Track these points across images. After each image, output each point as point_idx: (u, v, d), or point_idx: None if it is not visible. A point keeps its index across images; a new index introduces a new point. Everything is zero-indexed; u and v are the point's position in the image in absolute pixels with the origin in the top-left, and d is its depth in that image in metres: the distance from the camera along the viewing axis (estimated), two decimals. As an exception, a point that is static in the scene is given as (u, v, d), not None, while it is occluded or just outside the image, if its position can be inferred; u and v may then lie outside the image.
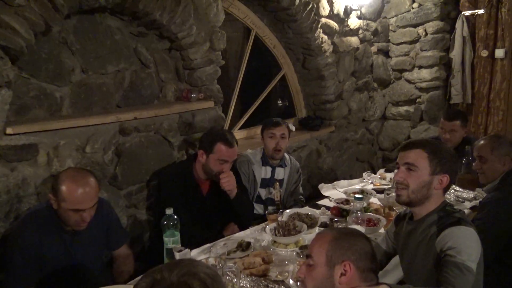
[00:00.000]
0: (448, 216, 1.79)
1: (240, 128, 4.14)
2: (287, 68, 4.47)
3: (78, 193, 2.02)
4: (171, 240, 2.11)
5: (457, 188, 3.04)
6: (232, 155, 2.71)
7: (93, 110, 2.78)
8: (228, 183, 2.68)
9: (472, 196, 2.98)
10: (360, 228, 2.25)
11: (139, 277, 1.23)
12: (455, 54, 4.72)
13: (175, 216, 2.17)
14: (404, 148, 1.90)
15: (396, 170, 1.92)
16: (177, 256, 2.01)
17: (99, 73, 2.78)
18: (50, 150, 2.45)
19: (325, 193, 3.30)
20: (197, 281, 1.03)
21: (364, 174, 3.68)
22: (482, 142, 2.66)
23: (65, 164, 2.48)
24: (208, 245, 2.42)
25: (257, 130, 3.53)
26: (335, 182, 3.51)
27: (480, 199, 2.74)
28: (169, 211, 2.16)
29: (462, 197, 2.97)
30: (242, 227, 2.74)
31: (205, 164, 2.73)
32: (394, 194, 2.60)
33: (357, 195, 2.42)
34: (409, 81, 5.17)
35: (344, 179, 3.73)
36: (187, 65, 3.18)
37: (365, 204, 2.81)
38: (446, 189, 1.88)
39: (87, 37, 2.71)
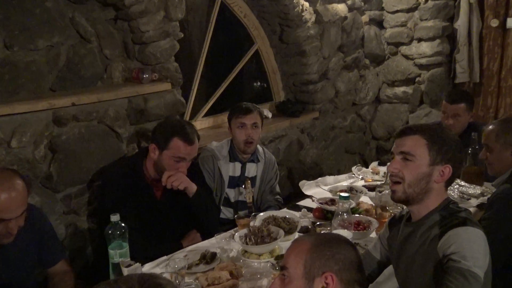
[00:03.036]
0: (452, 216, 1.81)
1: (204, 116, 4.12)
2: (261, 42, 4.45)
3: (2, 199, 1.99)
4: (117, 253, 2.09)
5: (462, 183, 3.09)
6: (191, 153, 2.71)
7: (20, 94, 2.73)
8: (178, 181, 2.67)
9: (479, 192, 3.03)
10: (347, 233, 2.25)
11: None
12: (460, 24, 4.79)
13: (123, 224, 2.15)
14: (400, 135, 1.92)
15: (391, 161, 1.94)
16: (126, 271, 2.00)
17: (27, 49, 2.72)
18: (-34, 145, 2.40)
19: (307, 192, 3.31)
20: None
21: (354, 169, 3.71)
22: (490, 127, 2.69)
23: (-15, 163, 2.44)
24: (164, 258, 2.41)
25: (225, 117, 3.53)
26: (319, 178, 3.53)
27: (489, 196, 2.79)
28: (114, 218, 2.14)
29: (468, 193, 3.01)
30: (206, 235, 2.73)
31: (157, 161, 2.72)
32: (387, 191, 2.66)
33: (342, 194, 2.43)
34: (406, 57, 5.22)
35: (330, 174, 3.75)
36: (137, 38, 3.15)
37: (353, 204, 2.83)
38: (448, 182, 1.91)
39: (11, 5, 2.65)
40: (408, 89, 5.30)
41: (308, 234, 2.05)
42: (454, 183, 3.01)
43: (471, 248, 1.68)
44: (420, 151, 1.85)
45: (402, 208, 2.44)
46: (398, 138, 1.92)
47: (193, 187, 2.74)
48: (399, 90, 5.36)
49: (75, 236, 2.92)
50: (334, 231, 2.34)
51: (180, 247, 2.62)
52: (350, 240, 2.20)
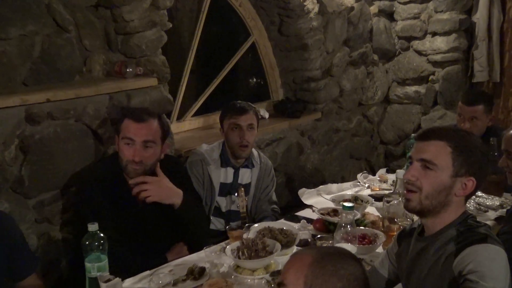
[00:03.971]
0: (470, 231, 1.82)
1: (194, 115, 4.13)
2: (258, 34, 4.46)
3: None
4: (95, 266, 2.09)
5: (479, 193, 3.10)
6: (140, 133, 2.68)
7: (-11, 89, 2.72)
8: (148, 192, 2.65)
9: (498, 203, 3.05)
10: (351, 247, 2.26)
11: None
12: (479, 17, 4.82)
13: (101, 234, 2.15)
14: (422, 138, 1.92)
15: (407, 165, 1.94)
16: (104, 287, 1.99)
17: (-2, 38, 2.72)
18: None
19: (307, 202, 3.32)
20: None
21: (359, 176, 3.72)
22: (511, 132, 2.71)
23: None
24: (147, 272, 2.40)
25: (217, 117, 3.54)
26: (321, 186, 3.54)
27: (508, 207, 2.80)
28: (92, 227, 2.14)
29: (485, 204, 3.03)
30: (194, 248, 2.73)
31: (119, 153, 2.74)
32: (396, 201, 2.68)
33: (346, 203, 2.44)
34: (419, 53, 5.26)
35: (333, 182, 3.76)
36: (121, 28, 3.15)
37: (358, 215, 2.84)
38: (469, 196, 1.92)
39: (-21, -12, 2.65)
40: (421, 89, 5.32)
41: (309, 247, 2.04)
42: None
43: (491, 267, 1.68)
44: (444, 160, 1.85)
45: (413, 221, 2.45)
46: (420, 141, 1.92)
47: (172, 199, 2.73)
48: (411, 89, 5.38)
49: (48, 247, 2.89)
50: (337, 245, 2.34)
51: (165, 260, 2.61)
52: (354, 255, 2.23)
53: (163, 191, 2.71)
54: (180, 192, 2.76)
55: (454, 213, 1.88)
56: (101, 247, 2.13)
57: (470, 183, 1.86)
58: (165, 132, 2.84)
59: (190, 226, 2.82)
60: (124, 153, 2.70)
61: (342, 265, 1.51)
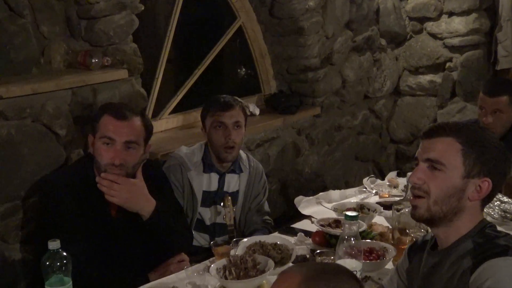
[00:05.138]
0: (488, 243, 1.82)
1: (171, 113, 4.12)
2: (245, 16, 4.46)
3: None
4: (57, 291, 2.08)
5: (505, 198, 3.09)
6: (122, 132, 2.67)
7: None
8: (115, 193, 2.64)
9: (526, 210, 3.04)
10: (356, 264, 2.26)
11: None
12: (503, -7, 4.83)
13: (64, 253, 2.13)
14: (427, 135, 1.92)
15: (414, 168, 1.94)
16: (68, 316, 1.98)
17: None
18: None
19: (304, 211, 3.31)
20: None
21: (365, 181, 3.71)
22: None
23: None
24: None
25: (198, 115, 3.52)
26: (321, 193, 3.53)
27: (537, 215, 2.81)
28: (53, 245, 2.12)
29: None
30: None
31: (95, 156, 2.72)
32: (407, 209, 2.67)
33: (350, 213, 2.43)
34: (434, 36, 5.26)
35: (336, 188, 3.75)
36: (84, 12, 3.14)
37: (364, 227, 2.83)
38: (486, 200, 1.91)
39: None
40: (436, 78, 5.33)
41: (299, 264, 2.03)
42: (495, 198, 3.02)
43: (512, 284, 1.69)
44: (453, 159, 1.85)
45: (427, 232, 2.45)
46: (425, 139, 1.92)
47: (142, 209, 2.71)
48: (425, 79, 5.39)
49: (3, 269, 2.87)
50: (339, 261, 2.33)
51: (146, 281, 2.60)
52: (359, 272, 2.22)
53: (132, 196, 2.68)
54: (152, 202, 2.74)
55: (469, 221, 1.88)
56: (64, 268, 2.11)
57: (486, 185, 1.85)
58: (149, 132, 2.83)
59: (165, 242, 2.80)
60: (103, 154, 2.67)
61: (336, 284, 1.49)
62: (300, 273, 1.52)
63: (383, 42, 5.31)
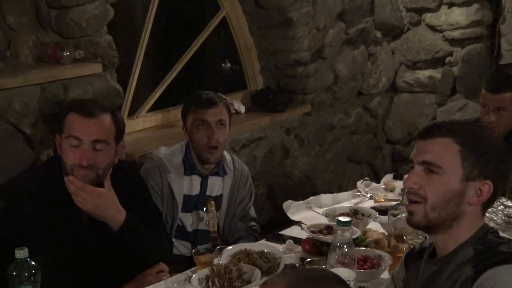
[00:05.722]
0: (490, 251, 1.82)
1: (149, 110, 4.12)
2: (230, 7, 4.46)
3: None
4: (24, 304, 2.08)
5: (509, 203, 3.11)
6: (89, 131, 2.64)
7: None
8: (82, 200, 2.61)
9: (532, 214, 3.05)
10: (349, 273, 2.24)
11: None
12: (507, -18, 4.84)
13: (33, 263, 2.13)
14: (422, 136, 1.92)
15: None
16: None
17: None
18: None
19: (294, 217, 3.31)
20: None
21: (360, 184, 3.71)
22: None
23: None
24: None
25: (178, 113, 3.53)
26: (312, 198, 3.53)
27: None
28: (20, 253, 2.12)
29: (517, 216, 3.04)
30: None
31: (62, 156, 2.70)
32: (404, 215, 2.65)
33: (342, 218, 2.42)
34: (433, 28, 5.27)
35: (328, 192, 3.75)
36: (55, 0, 3.14)
37: (358, 233, 2.82)
38: (487, 205, 1.91)
39: None
40: (436, 73, 5.34)
41: (283, 272, 2.02)
42: (498, 203, 3.03)
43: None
44: (451, 161, 1.84)
45: (425, 238, 2.44)
46: (421, 140, 1.91)
47: (113, 219, 2.68)
48: (423, 74, 5.40)
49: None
50: (332, 270, 2.33)
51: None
52: (352, 282, 2.22)
53: (100, 205, 2.65)
54: (123, 212, 2.70)
55: (469, 227, 1.88)
56: (32, 279, 2.11)
57: (486, 188, 1.85)
58: (120, 131, 2.80)
59: (139, 253, 2.79)
60: (69, 155, 2.64)
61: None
62: (283, 282, 1.48)
63: (378, 34, 5.30)
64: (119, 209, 2.70)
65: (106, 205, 2.67)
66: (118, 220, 2.69)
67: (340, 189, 4.40)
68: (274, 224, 3.68)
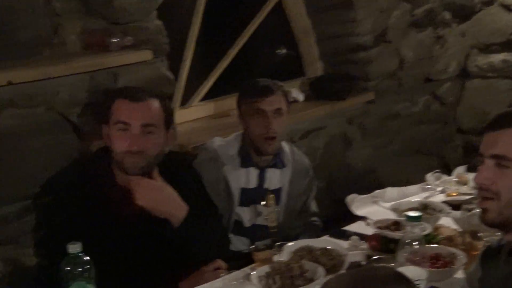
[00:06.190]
0: None
1: (202, 99, 4.14)
2: (285, -13, 4.46)
3: None
4: (79, 299, 2.11)
5: None
6: (137, 114, 2.67)
7: None
8: (137, 194, 2.64)
9: None
10: (420, 272, 2.23)
11: None
12: None
13: (86, 257, 2.15)
14: (492, 127, 1.91)
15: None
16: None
17: None
18: None
19: (358, 212, 3.30)
20: None
21: (429, 177, 3.68)
22: None
23: None
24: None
25: (233, 101, 3.53)
26: (377, 191, 3.51)
27: None
28: (73, 247, 2.14)
29: None
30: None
31: (111, 146, 2.74)
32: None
33: (412, 213, 2.40)
34: (508, 8, 5.19)
35: (393, 185, 3.71)
36: (102, -16, 3.17)
37: (429, 229, 2.77)
38: None
39: None
40: (511, 57, 5.23)
41: (342, 273, 2.01)
42: None
43: None
44: None
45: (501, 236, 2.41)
46: (490, 131, 1.91)
47: (175, 214, 2.71)
48: (497, 58, 5.31)
49: (16, 276, 2.92)
50: (400, 269, 2.30)
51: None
52: (423, 281, 2.19)
53: (160, 196, 2.69)
54: (184, 207, 2.73)
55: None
56: (86, 274, 2.13)
57: None
58: (169, 116, 2.84)
59: (198, 250, 2.80)
60: (118, 143, 2.68)
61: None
62: (344, 281, 1.49)
63: (447, 15, 5.22)
64: (181, 204, 2.73)
65: (167, 200, 2.70)
66: (180, 216, 2.72)
67: (407, 183, 4.35)
68: (337, 219, 3.66)
